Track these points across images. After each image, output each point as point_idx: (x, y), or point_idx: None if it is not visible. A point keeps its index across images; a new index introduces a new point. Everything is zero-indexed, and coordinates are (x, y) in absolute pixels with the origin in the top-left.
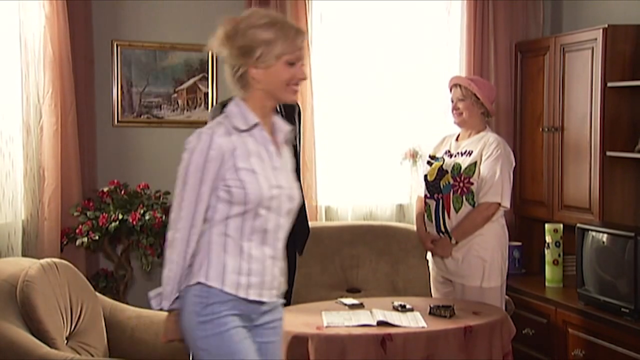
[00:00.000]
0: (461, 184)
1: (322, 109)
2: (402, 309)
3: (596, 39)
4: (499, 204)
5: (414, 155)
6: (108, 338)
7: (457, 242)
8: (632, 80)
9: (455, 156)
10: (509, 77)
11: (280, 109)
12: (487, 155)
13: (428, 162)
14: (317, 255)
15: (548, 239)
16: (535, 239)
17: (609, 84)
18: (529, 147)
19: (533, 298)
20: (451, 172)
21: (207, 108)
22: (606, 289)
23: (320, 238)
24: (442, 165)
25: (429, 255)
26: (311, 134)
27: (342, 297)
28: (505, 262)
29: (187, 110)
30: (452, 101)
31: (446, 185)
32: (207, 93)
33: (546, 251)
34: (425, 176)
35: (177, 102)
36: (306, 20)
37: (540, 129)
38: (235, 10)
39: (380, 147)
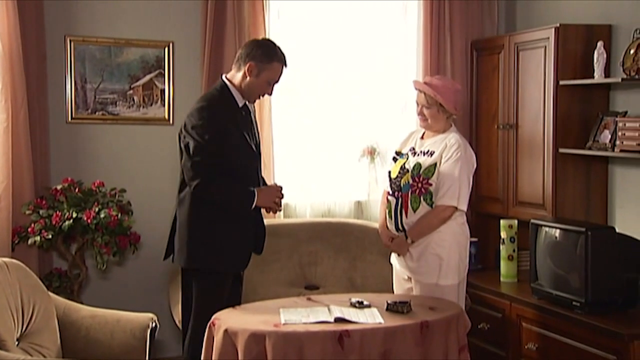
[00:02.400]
0: (419, 185)
1: (279, 106)
2: (360, 305)
3: (548, 38)
4: (456, 207)
5: (372, 153)
6: (62, 338)
7: (412, 242)
8: (583, 78)
9: (419, 155)
10: (464, 75)
11: None
12: (447, 157)
13: (393, 158)
14: (276, 252)
15: (503, 234)
16: (490, 235)
17: (561, 82)
18: (485, 144)
19: (488, 293)
20: (411, 172)
21: (164, 105)
22: (558, 283)
23: (278, 235)
24: (404, 163)
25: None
26: (269, 131)
27: (300, 294)
28: (463, 260)
29: (143, 107)
30: (417, 104)
31: (405, 184)
32: (164, 90)
33: (501, 247)
34: (389, 172)
35: (133, 99)
36: (263, 17)
37: (495, 126)
38: (192, 6)
39: (339, 144)
